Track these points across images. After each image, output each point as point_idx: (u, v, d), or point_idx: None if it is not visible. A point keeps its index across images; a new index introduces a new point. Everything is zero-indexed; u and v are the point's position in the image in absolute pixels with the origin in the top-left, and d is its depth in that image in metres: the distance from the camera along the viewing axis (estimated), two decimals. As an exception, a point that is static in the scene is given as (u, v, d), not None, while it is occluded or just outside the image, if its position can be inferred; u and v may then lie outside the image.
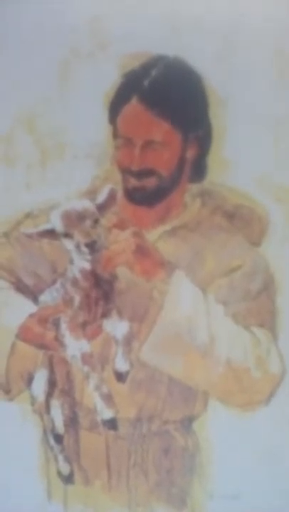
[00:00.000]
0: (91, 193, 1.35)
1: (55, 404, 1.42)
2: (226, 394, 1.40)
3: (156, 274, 1.35)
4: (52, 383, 1.42)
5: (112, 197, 1.32)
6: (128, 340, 1.38)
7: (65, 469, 1.46)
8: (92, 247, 1.30)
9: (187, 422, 1.45)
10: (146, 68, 1.31)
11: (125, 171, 1.36)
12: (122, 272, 1.35)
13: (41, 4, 1.32)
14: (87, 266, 1.33)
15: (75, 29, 1.31)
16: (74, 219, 1.30)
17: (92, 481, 1.47)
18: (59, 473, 1.47)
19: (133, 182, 1.36)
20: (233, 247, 1.40)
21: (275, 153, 1.35)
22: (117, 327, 1.38)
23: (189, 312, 1.36)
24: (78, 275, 1.34)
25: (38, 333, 1.37)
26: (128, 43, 1.30)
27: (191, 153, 1.36)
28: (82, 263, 1.33)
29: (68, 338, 1.36)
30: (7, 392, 1.42)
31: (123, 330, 1.38)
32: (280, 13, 1.32)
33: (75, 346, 1.36)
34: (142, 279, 1.35)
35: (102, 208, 1.32)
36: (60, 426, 1.43)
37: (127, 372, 1.39)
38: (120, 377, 1.39)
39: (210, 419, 1.44)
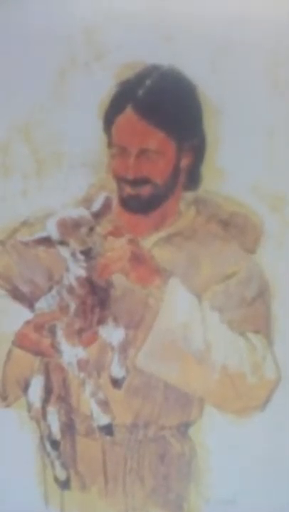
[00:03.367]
0: (87, 201, 1.35)
1: (52, 410, 1.43)
2: (221, 400, 1.41)
3: (152, 282, 1.36)
4: (48, 390, 1.42)
5: (107, 205, 1.33)
6: (124, 347, 1.38)
7: (62, 475, 1.47)
8: (87, 254, 1.31)
9: (183, 428, 1.46)
10: (140, 78, 1.32)
11: (120, 180, 1.36)
12: (118, 280, 1.35)
13: (37, 14, 1.33)
14: (82, 273, 1.34)
15: (70, 39, 1.32)
16: (70, 227, 1.30)
17: (88, 487, 1.48)
18: (56, 478, 1.47)
19: (128, 190, 1.36)
20: (228, 255, 1.40)
21: (269, 162, 1.35)
22: (112, 334, 1.38)
23: (185, 319, 1.36)
24: (74, 282, 1.35)
25: (35, 340, 1.38)
26: (123, 52, 1.31)
27: (185, 162, 1.36)
28: (78, 270, 1.34)
29: (64, 345, 1.37)
30: (4, 398, 1.42)
31: (119, 337, 1.38)
32: (274, 23, 1.32)
33: (71, 353, 1.37)
34: (137, 287, 1.36)
35: (97, 215, 1.32)
36: (56, 432, 1.44)
37: (123, 379, 1.39)
38: (116, 383, 1.39)
39: (206, 425, 1.44)
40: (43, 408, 1.42)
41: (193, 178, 1.37)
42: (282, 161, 1.36)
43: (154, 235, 1.40)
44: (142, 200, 1.36)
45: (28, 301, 1.40)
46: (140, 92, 1.32)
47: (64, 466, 1.46)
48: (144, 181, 1.35)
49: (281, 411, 1.42)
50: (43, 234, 1.32)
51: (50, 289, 1.39)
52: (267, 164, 1.36)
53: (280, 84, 1.34)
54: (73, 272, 1.34)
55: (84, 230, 1.30)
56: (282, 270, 1.40)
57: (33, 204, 1.38)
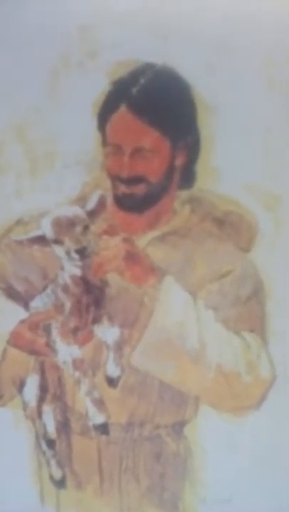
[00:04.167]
0: (81, 200, 1.36)
1: (47, 409, 1.43)
2: (216, 399, 1.41)
3: (147, 280, 1.36)
4: (43, 389, 1.42)
5: (101, 203, 1.33)
6: (119, 346, 1.39)
7: (58, 474, 1.47)
8: (82, 253, 1.31)
9: (178, 427, 1.46)
10: (134, 76, 1.32)
11: (115, 178, 1.36)
12: (113, 278, 1.36)
13: (30, 13, 1.33)
14: (77, 272, 1.34)
15: (64, 38, 1.32)
16: (64, 225, 1.31)
17: (84, 486, 1.48)
18: (51, 477, 1.47)
19: (123, 189, 1.36)
20: (223, 253, 1.40)
21: (263, 161, 1.35)
22: (107, 333, 1.38)
23: (180, 318, 1.37)
24: (69, 281, 1.35)
25: (29, 339, 1.38)
26: (117, 51, 1.31)
27: (180, 161, 1.36)
28: (72, 269, 1.34)
29: (59, 344, 1.37)
30: (-1, 397, 1.43)
31: (114, 335, 1.38)
32: (269, 23, 1.33)
33: (66, 352, 1.37)
34: (132, 285, 1.36)
35: (92, 214, 1.33)
36: (52, 431, 1.44)
37: (119, 378, 1.39)
38: (111, 382, 1.39)
39: (201, 423, 1.44)
40: (39, 407, 1.43)
41: (187, 177, 1.38)
42: (276, 160, 1.36)
43: (148, 233, 1.40)
44: (137, 198, 1.37)
45: (23, 300, 1.40)
46: (134, 91, 1.32)
47: (60, 465, 1.46)
48: (138, 180, 1.35)
49: (276, 410, 1.42)
50: (38, 233, 1.32)
51: (45, 288, 1.39)
52: (261, 163, 1.36)
53: (275, 83, 1.34)
54: (68, 271, 1.34)
55: (79, 228, 1.31)
56: (277, 269, 1.40)
57: (28, 203, 1.38)
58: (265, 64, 1.33)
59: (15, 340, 1.38)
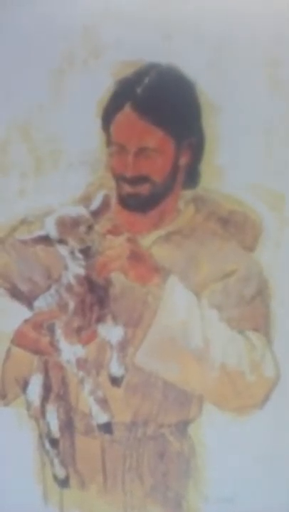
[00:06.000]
0: (85, 200, 1.36)
1: (51, 408, 1.43)
2: (220, 398, 1.41)
3: (151, 280, 1.36)
4: (47, 388, 1.42)
5: (106, 203, 1.33)
6: (123, 345, 1.39)
7: (61, 473, 1.47)
8: (86, 253, 1.31)
9: (182, 426, 1.46)
10: (139, 76, 1.32)
11: (119, 178, 1.36)
12: (117, 278, 1.36)
13: (34, 12, 1.33)
14: (81, 272, 1.34)
15: (68, 37, 1.32)
16: (68, 225, 1.31)
17: (87, 485, 1.48)
18: (55, 477, 1.48)
19: (127, 188, 1.36)
20: (227, 253, 1.40)
21: (267, 160, 1.35)
22: (111, 332, 1.38)
23: (184, 317, 1.37)
24: (73, 281, 1.35)
25: (33, 339, 1.38)
26: (121, 50, 1.31)
27: (184, 160, 1.36)
28: (76, 269, 1.34)
29: (63, 343, 1.37)
30: (3, 397, 1.43)
31: (118, 335, 1.38)
32: (273, 22, 1.33)
33: (69, 351, 1.37)
34: (136, 285, 1.36)
35: (96, 214, 1.33)
36: (55, 430, 1.44)
37: (122, 377, 1.39)
38: (115, 381, 1.39)
39: (205, 423, 1.44)
40: (42, 406, 1.43)
41: (192, 176, 1.38)
42: (280, 159, 1.36)
43: (153, 233, 1.40)
44: (141, 198, 1.37)
45: (27, 300, 1.41)
46: (139, 90, 1.32)
47: (63, 464, 1.47)
48: (142, 179, 1.35)
49: (280, 409, 1.42)
50: (42, 232, 1.32)
51: (48, 287, 1.39)
52: (265, 162, 1.36)
53: (278, 82, 1.34)
54: (72, 271, 1.34)
55: (83, 228, 1.31)
56: (281, 268, 1.40)
57: (32, 202, 1.39)
58: (268, 63, 1.33)
59: (19, 339, 1.38)
